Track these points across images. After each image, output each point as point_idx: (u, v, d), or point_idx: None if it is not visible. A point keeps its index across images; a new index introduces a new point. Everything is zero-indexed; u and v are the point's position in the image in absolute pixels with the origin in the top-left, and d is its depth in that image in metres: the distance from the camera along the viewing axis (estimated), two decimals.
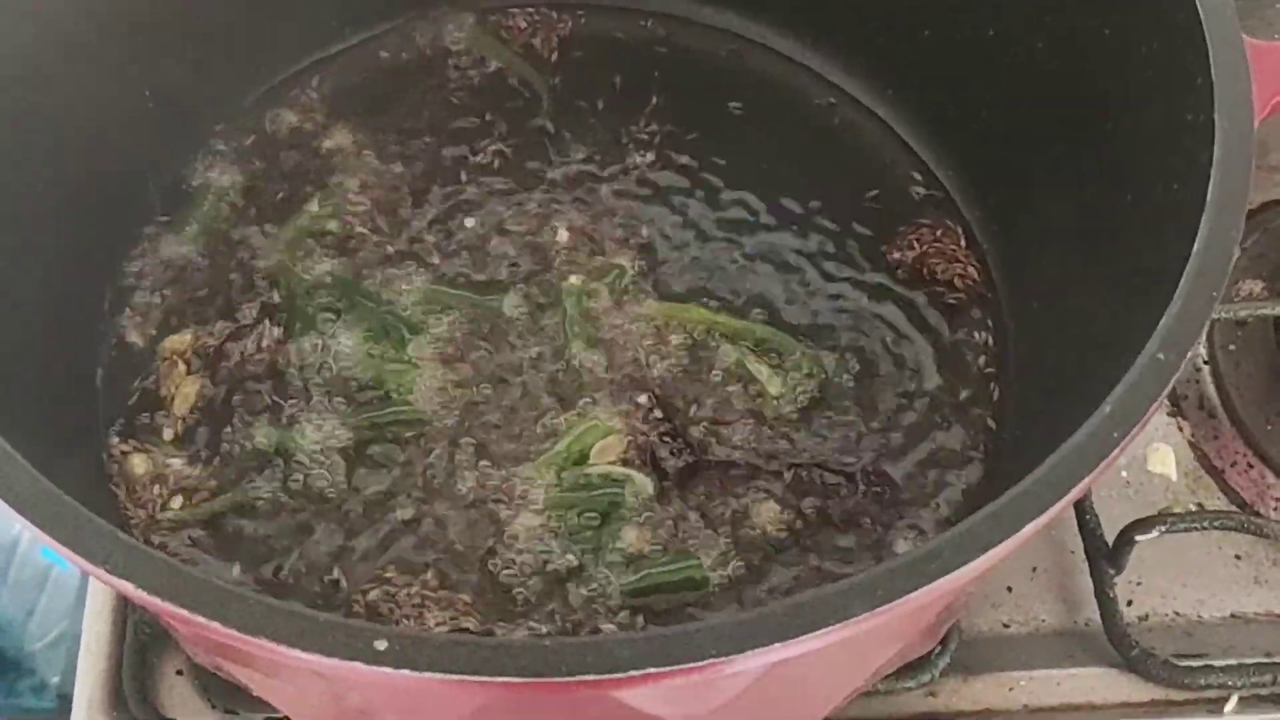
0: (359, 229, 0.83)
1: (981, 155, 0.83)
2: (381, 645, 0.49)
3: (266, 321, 0.79)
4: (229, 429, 0.76)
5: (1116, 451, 0.54)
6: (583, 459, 0.75)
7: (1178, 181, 0.62)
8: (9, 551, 1.29)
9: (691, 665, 0.49)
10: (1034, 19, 0.77)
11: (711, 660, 0.49)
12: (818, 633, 0.50)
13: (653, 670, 0.49)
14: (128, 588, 0.51)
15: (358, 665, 0.49)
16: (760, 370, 0.77)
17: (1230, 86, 0.62)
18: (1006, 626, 0.79)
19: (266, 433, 0.76)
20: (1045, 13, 0.76)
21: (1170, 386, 0.55)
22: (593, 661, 0.49)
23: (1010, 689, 0.76)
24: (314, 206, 0.83)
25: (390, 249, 0.82)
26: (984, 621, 0.79)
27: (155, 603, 0.51)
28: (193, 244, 0.82)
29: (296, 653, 0.49)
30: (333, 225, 0.83)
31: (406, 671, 0.49)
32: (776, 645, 0.50)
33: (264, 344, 0.78)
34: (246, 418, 0.76)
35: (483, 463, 0.75)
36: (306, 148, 0.86)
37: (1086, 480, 0.53)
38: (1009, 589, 0.80)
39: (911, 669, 0.75)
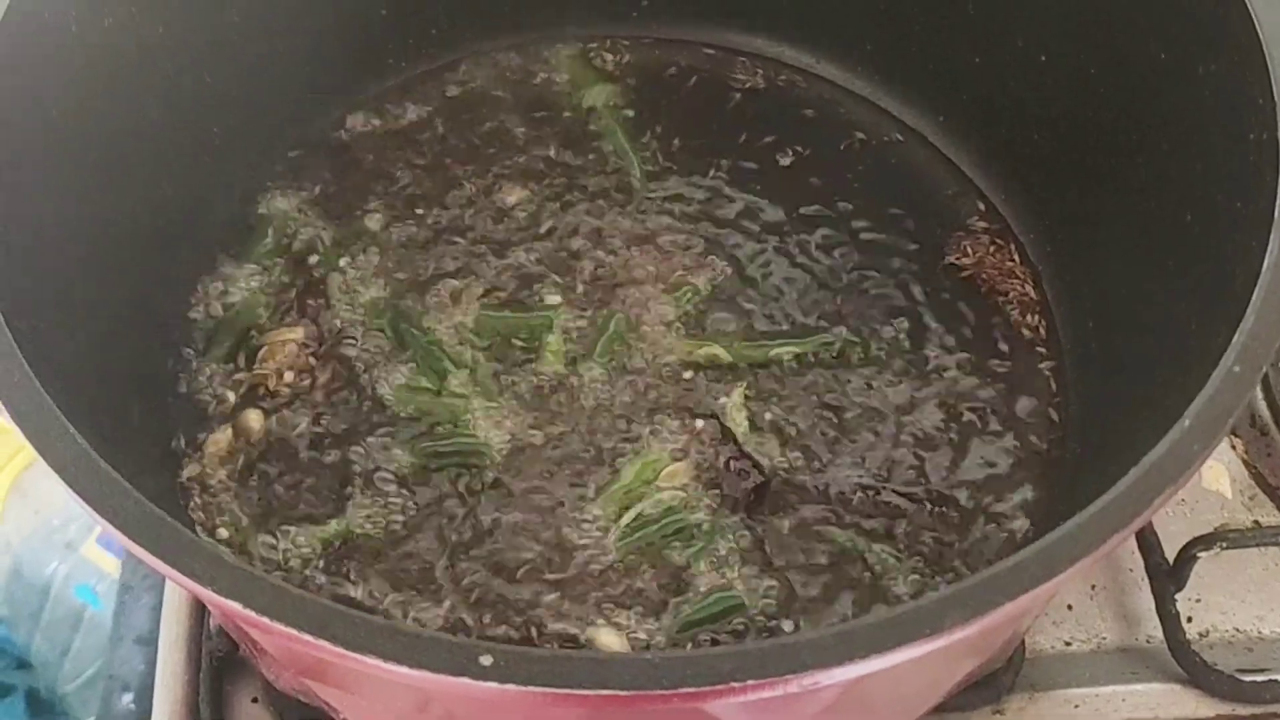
0: (420, 254, 0.84)
1: (1035, 177, 0.85)
2: (487, 660, 0.50)
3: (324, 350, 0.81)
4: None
5: (1198, 463, 0.55)
6: (649, 489, 0.76)
7: (1242, 199, 0.64)
8: (43, 593, 1.30)
9: (790, 676, 0.50)
10: (1086, 42, 0.78)
11: (809, 671, 0.50)
12: (913, 644, 0.51)
13: (752, 682, 0.50)
14: (236, 608, 0.52)
15: (464, 680, 0.50)
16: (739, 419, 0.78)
17: None
18: (1069, 644, 0.80)
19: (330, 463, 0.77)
20: (1097, 36, 0.77)
21: (1246, 399, 0.57)
22: (693, 674, 0.50)
23: (1076, 706, 0.77)
24: (375, 224, 0.85)
25: (441, 275, 0.83)
26: (1046, 640, 0.80)
27: (264, 623, 0.52)
28: (255, 275, 0.83)
29: (404, 669, 0.50)
30: (399, 246, 0.84)
31: (512, 686, 0.50)
32: (873, 657, 0.51)
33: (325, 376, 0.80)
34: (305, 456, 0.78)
35: (542, 496, 0.76)
36: (372, 171, 0.88)
37: (1169, 491, 0.54)
38: (1069, 607, 0.81)
39: (979, 688, 0.75)
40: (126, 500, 0.54)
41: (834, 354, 0.81)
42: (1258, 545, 0.79)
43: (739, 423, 0.78)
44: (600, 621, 0.71)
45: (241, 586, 0.52)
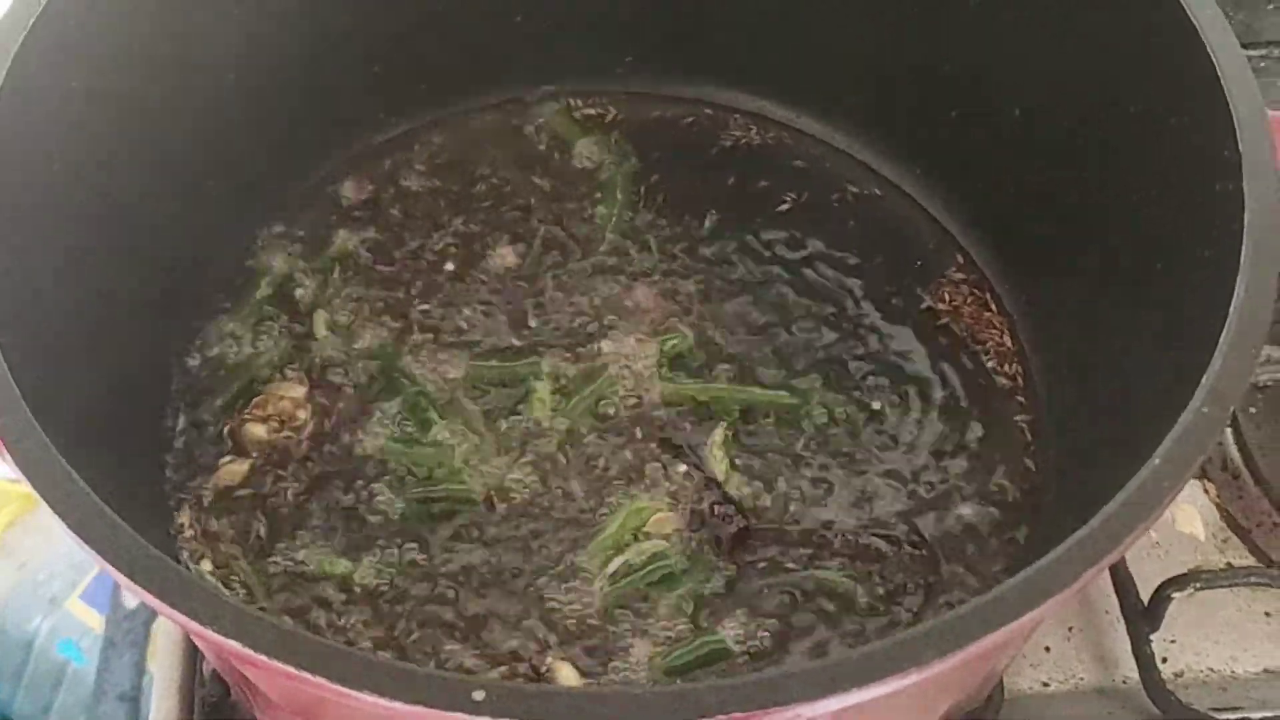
0: (412, 307, 0.86)
1: (1011, 229, 0.87)
2: (479, 695, 0.51)
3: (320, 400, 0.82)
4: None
5: (1167, 500, 0.57)
6: (636, 537, 0.77)
7: (1210, 248, 0.65)
8: (25, 648, 1.30)
9: (775, 709, 0.52)
10: (1060, 98, 0.80)
11: (794, 704, 0.52)
12: (894, 677, 0.52)
13: (738, 714, 0.51)
14: (236, 647, 0.53)
15: (458, 715, 0.51)
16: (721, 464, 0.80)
17: (1257, 157, 0.65)
18: (1046, 685, 0.81)
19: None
20: (1071, 92, 0.79)
21: (1216, 439, 0.58)
22: (681, 708, 0.52)
23: None
24: (367, 277, 0.87)
25: (432, 326, 0.85)
26: (1025, 681, 0.81)
27: (264, 661, 0.53)
28: (250, 326, 0.85)
29: (399, 705, 0.52)
30: (389, 298, 0.86)
31: None
32: (855, 690, 0.52)
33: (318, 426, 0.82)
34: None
35: (533, 545, 0.78)
36: (363, 224, 0.90)
37: (1140, 528, 0.56)
38: (1047, 649, 0.82)
39: None
40: (129, 543, 0.56)
41: (814, 401, 0.82)
42: (1229, 586, 0.81)
43: (721, 467, 0.79)
44: (562, 659, 0.73)
45: (242, 626, 0.53)
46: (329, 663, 0.52)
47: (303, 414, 0.82)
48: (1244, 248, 0.63)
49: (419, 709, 0.52)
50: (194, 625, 0.54)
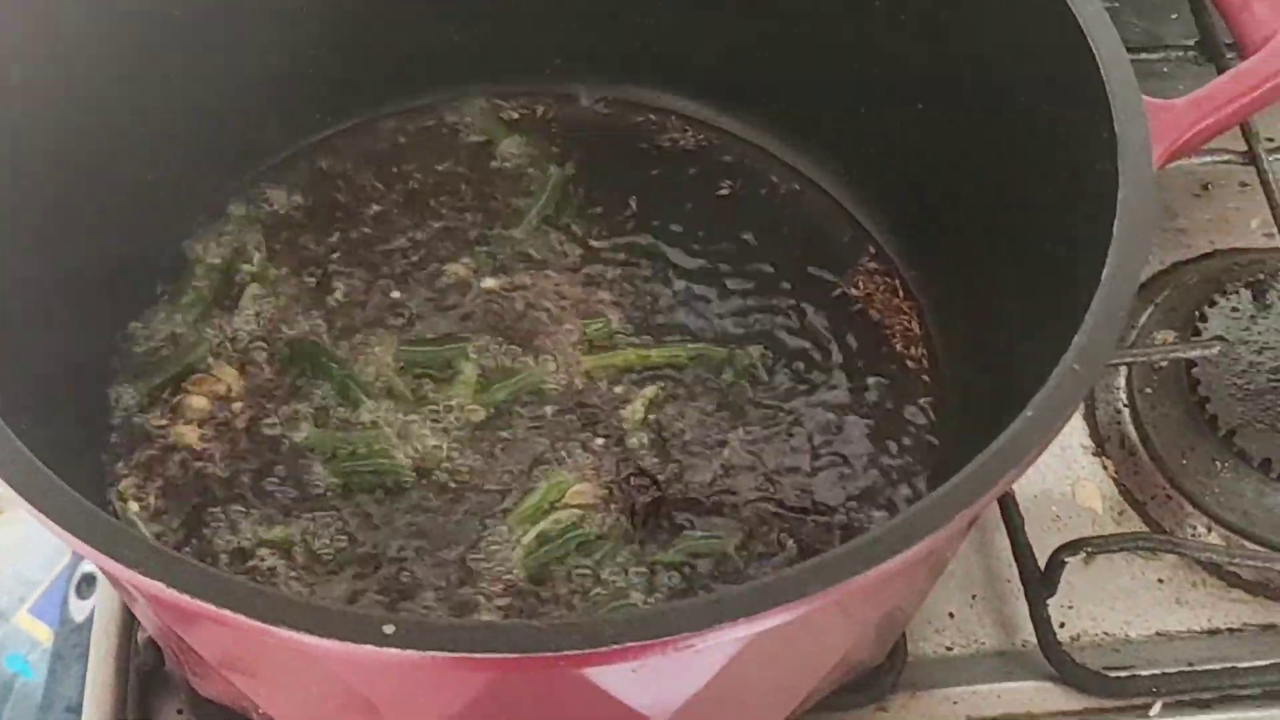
0: (344, 295, 0.90)
1: (916, 216, 0.91)
2: (389, 629, 0.55)
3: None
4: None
5: (1037, 451, 0.61)
6: (554, 508, 0.81)
7: (1089, 225, 0.69)
8: None
9: (666, 639, 0.55)
10: (957, 92, 0.85)
11: (684, 634, 0.55)
12: (780, 607, 0.56)
13: (631, 644, 0.55)
14: (159, 588, 0.57)
15: (368, 648, 0.55)
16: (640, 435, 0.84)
17: (1131, 137, 0.70)
18: (950, 649, 0.85)
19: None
20: (967, 86, 0.84)
21: (1084, 394, 0.63)
22: (578, 638, 0.55)
23: (955, 703, 0.82)
24: (298, 268, 0.91)
25: (363, 315, 0.89)
26: (929, 646, 0.85)
27: (186, 600, 0.56)
28: (187, 314, 0.88)
29: (312, 639, 0.55)
30: (317, 292, 0.90)
31: (412, 652, 0.55)
32: (742, 621, 0.56)
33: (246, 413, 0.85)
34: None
35: (459, 518, 0.81)
36: (295, 220, 0.94)
37: (1011, 474, 0.60)
38: (951, 615, 0.86)
39: (863, 688, 0.81)
40: (58, 493, 0.59)
41: (732, 369, 0.86)
42: (1118, 550, 0.85)
43: (639, 438, 0.83)
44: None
45: (162, 567, 0.57)
46: (246, 601, 0.56)
47: (236, 396, 0.85)
48: (1116, 222, 0.67)
49: (332, 643, 0.55)
50: (119, 568, 0.57)
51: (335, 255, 0.92)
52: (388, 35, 0.96)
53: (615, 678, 0.60)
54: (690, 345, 0.88)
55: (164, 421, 0.84)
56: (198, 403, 0.85)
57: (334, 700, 0.65)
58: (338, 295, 0.90)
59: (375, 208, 0.94)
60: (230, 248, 0.91)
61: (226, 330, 0.88)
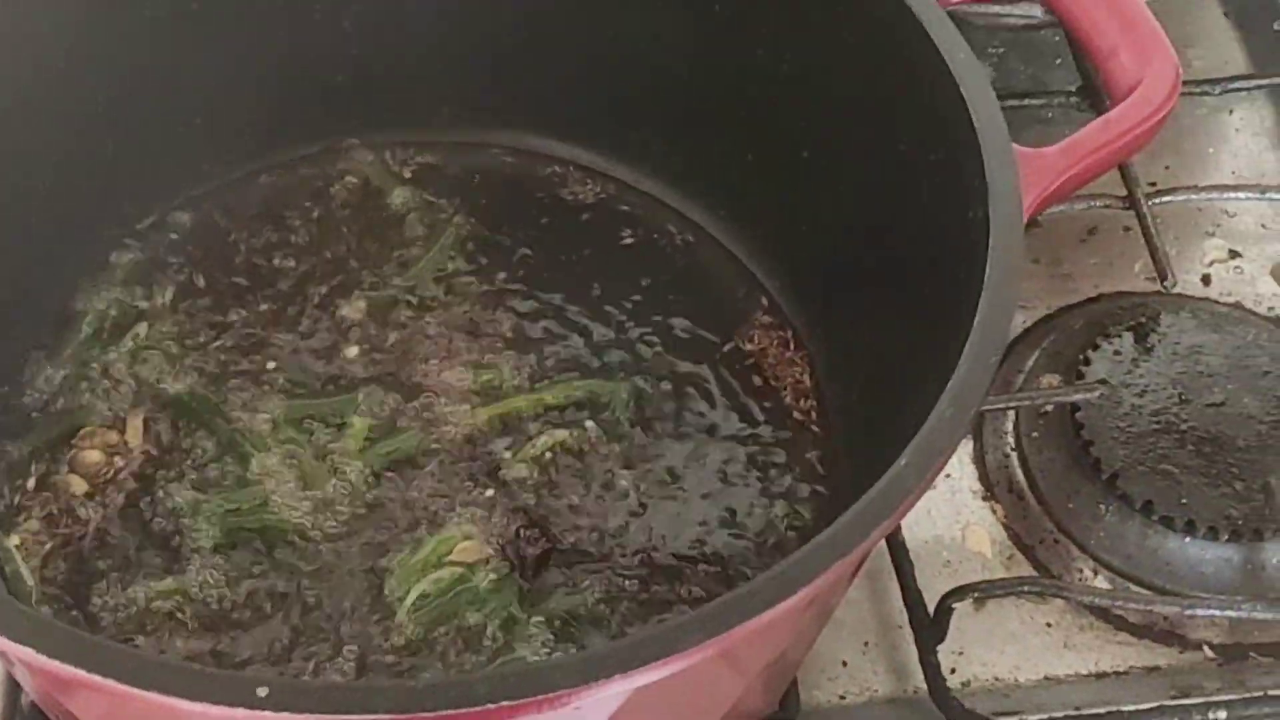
0: (231, 346, 0.89)
1: (804, 267, 0.92)
2: (263, 692, 0.54)
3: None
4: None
5: (914, 497, 0.62)
6: (441, 564, 0.81)
7: (963, 270, 0.70)
8: None
9: (544, 697, 0.55)
10: (840, 140, 0.86)
11: (561, 692, 0.55)
12: (660, 662, 0.56)
13: (506, 704, 0.55)
14: (28, 654, 0.56)
15: (240, 711, 0.54)
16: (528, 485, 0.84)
17: (1001, 185, 0.71)
18: (843, 698, 0.85)
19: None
20: (850, 134, 0.85)
21: (959, 439, 0.63)
22: (454, 697, 0.55)
23: None
24: (186, 321, 0.90)
25: (251, 366, 0.88)
26: (822, 695, 0.85)
27: (57, 667, 0.55)
28: (70, 368, 0.88)
29: (185, 703, 0.54)
30: (201, 344, 0.89)
31: (286, 714, 0.54)
32: (618, 677, 0.56)
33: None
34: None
35: (345, 576, 0.81)
36: (183, 271, 0.93)
37: (887, 522, 0.61)
38: (844, 663, 0.86)
39: None
40: None
41: (623, 410, 0.87)
42: (1004, 594, 0.85)
43: (530, 487, 0.83)
44: None
45: (35, 633, 0.56)
46: (118, 665, 0.55)
47: (125, 451, 0.84)
48: (987, 267, 0.68)
49: (205, 706, 0.55)
50: None
51: (223, 307, 0.91)
52: (277, 85, 0.95)
53: None
54: (577, 382, 0.88)
55: (55, 475, 0.84)
56: (89, 457, 0.84)
57: None
58: (225, 346, 0.89)
59: (262, 259, 0.94)
60: (115, 300, 0.91)
61: (113, 384, 0.87)
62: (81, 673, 0.55)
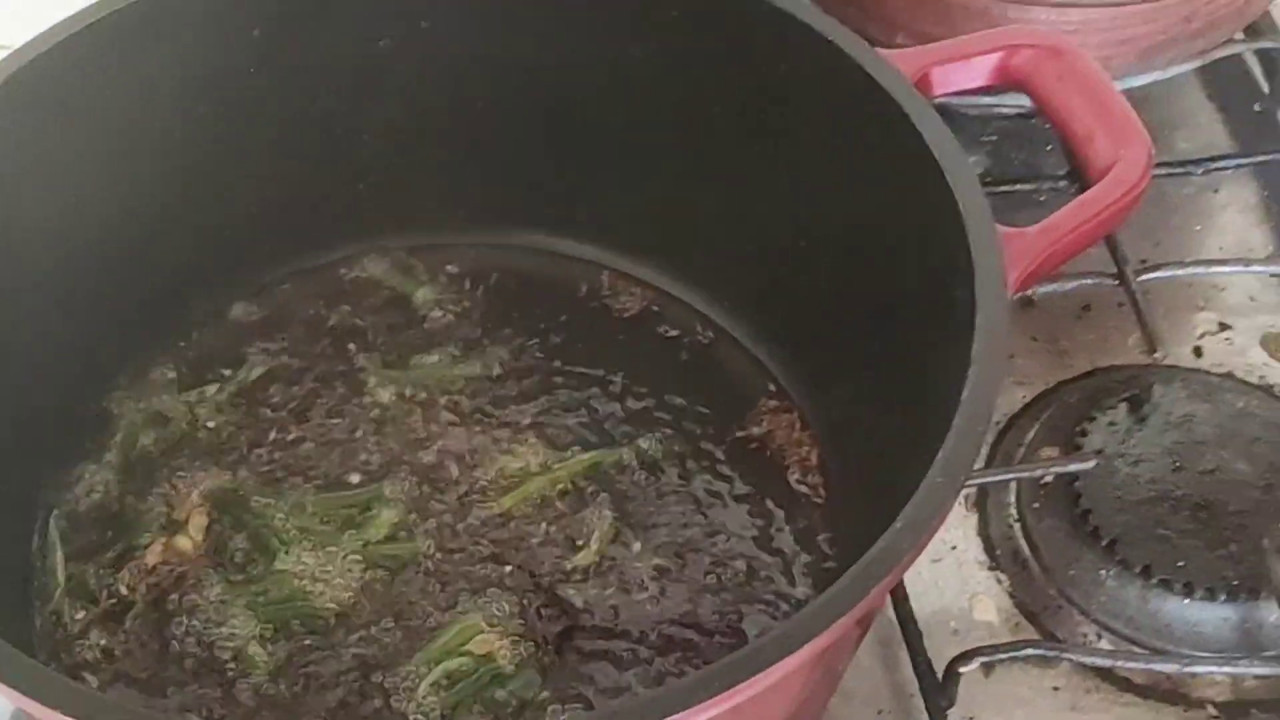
0: (263, 445, 0.94)
1: (806, 349, 0.96)
2: None
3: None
4: None
5: (907, 561, 0.65)
6: (461, 651, 0.84)
7: (952, 348, 0.74)
8: None
9: None
10: (838, 229, 0.90)
11: None
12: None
13: None
14: (35, 706, 0.60)
15: None
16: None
17: (985, 264, 0.74)
18: None
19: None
20: (842, 223, 0.89)
21: (949, 506, 0.67)
22: None
23: None
24: (216, 423, 0.95)
25: (285, 460, 0.93)
26: None
27: None
28: (113, 473, 0.92)
29: None
30: (239, 444, 0.94)
31: None
32: None
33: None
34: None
35: (371, 662, 0.85)
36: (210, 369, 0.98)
37: (884, 583, 0.64)
38: None
39: None
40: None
41: (633, 471, 0.92)
42: (1008, 656, 0.88)
43: (550, 566, 0.87)
44: None
45: (63, 696, 0.60)
46: None
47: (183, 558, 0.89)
48: (974, 344, 0.72)
49: None
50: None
51: (247, 410, 0.96)
52: (286, 197, 1.00)
53: None
54: (590, 453, 0.93)
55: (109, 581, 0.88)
56: (152, 559, 0.88)
57: None
58: (249, 449, 0.94)
59: (290, 359, 0.98)
60: (146, 403, 0.95)
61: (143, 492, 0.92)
62: None
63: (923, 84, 0.85)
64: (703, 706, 0.60)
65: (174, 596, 0.87)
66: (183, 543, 0.89)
